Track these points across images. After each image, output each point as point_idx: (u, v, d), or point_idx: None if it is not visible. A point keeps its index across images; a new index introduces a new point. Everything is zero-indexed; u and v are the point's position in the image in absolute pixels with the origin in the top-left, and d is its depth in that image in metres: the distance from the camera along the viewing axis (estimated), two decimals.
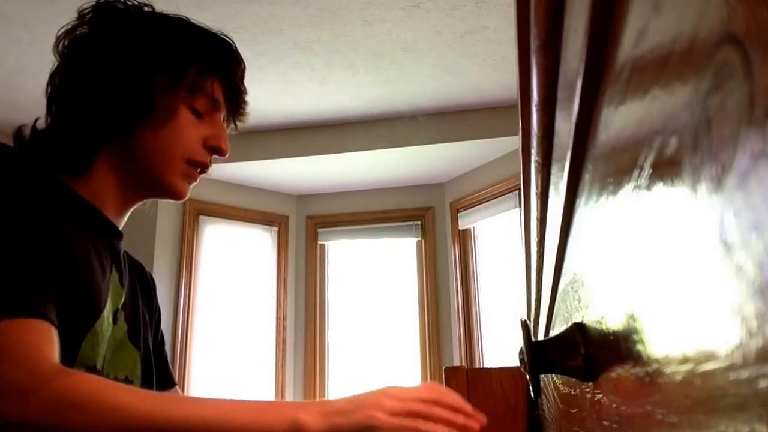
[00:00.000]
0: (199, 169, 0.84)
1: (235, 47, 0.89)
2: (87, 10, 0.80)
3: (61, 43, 0.79)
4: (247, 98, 0.92)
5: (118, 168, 0.79)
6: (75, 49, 0.79)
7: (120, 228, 0.83)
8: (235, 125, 0.93)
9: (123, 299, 0.81)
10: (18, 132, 0.80)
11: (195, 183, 0.85)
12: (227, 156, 0.86)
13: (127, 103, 0.77)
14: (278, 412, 0.59)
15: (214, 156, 0.85)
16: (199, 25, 0.86)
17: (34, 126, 0.80)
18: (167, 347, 0.99)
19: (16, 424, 0.53)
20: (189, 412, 0.57)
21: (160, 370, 0.92)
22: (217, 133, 0.85)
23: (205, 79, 0.83)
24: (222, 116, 0.87)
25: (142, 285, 0.91)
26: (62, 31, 0.79)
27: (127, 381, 0.79)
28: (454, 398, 0.67)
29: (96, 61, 0.78)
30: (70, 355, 0.67)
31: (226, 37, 0.88)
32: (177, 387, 0.96)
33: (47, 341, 0.59)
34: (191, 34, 0.84)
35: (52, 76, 0.80)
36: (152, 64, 0.78)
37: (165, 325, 2.39)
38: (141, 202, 0.85)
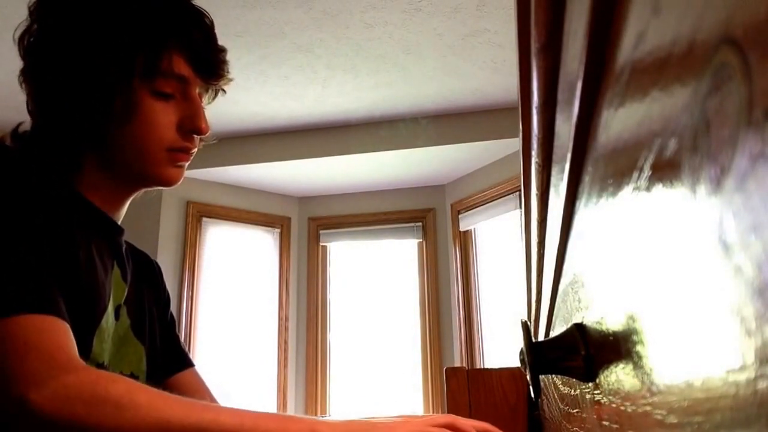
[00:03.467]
0: (183, 153, 0.78)
1: (190, 5, 0.79)
2: (33, 4, 0.75)
3: (20, 45, 0.75)
4: (226, 57, 0.81)
5: (103, 165, 0.77)
6: (29, 51, 0.75)
7: (119, 221, 0.82)
8: (223, 90, 0.83)
9: (125, 294, 0.80)
10: (1, 140, 0.77)
11: (186, 163, 0.80)
12: (208, 134, 0.79)
13: (82, 107, 0.73)
14: (299, 421, 0.61)
15: (198, 137, 0.79)
16: None
17: (15, 131, 0.77)
18: None
19: (40, 417, 0.52)
20: (219, 419, 0.57)
21: (173, 352, 0.90)
22: (191, 113, 0.77)
23: (158, 57, 0.73)
24: (197, 90, 0.79)
25: (146, 276, 0.90)
26: (19, 31, 0.75)
27: (132, 376, 0.79)
28: (468, 423, 0.67)
29: (46, 64, 0.73)
30: (83, 353, 0.68)
31: None
32: (195, 368, 0.94)
33: (68, 339, 0.59)
34: (132, 10, 0.74)
35: (19, 79, 0.76)
36: (97, 60, 0.72)
37: None
38: (137, 192, 0.82)
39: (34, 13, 0.75)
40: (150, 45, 0.73)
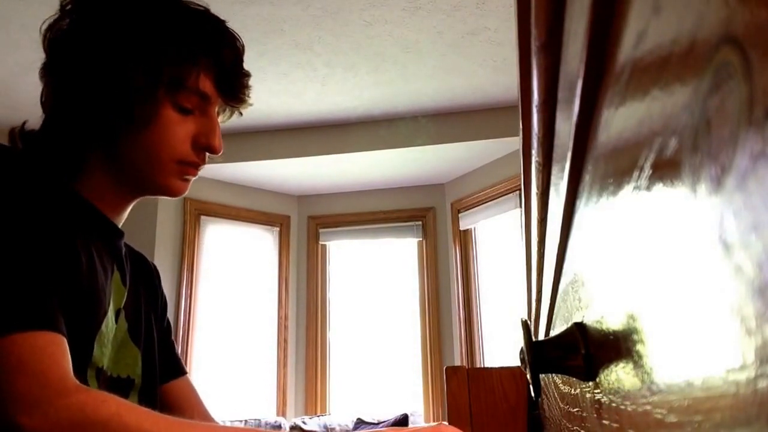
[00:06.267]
0: (193, 167, 0.79)
1: (225, 27, 0.80)
2: (66, 1, 0.76)
3: (45, 38, 0.75)
4: (249, 82, 0.82)
5: (110, 169, 0.77)
6: (55, 46, 0.75)
7: (120, 225, 0.82)
8: (240, 112, 0.85)
9: (125, 298, 0.80)
10: (11, 134, 0.77)
11: (194, 178, 0.81)
12: (221, 153, 0.80)
13: (103, 109, 0.73)
14: None
15: (209, 154, 0.80)
16: (189, 6, 0.78)
17: (22, 128, 0.77)
18: None
19: None
20: None
21: (167, 359, 0.90)
22: (207, 130, 0.78)
23: (186, 72, 0.74)
24: (216, 108, 0.80)
25: (144, 278, 0.90)
26: (46, 24, 0.75)
27: (129, 380, 0.79)
28: None
29: (72, 62, 0.74)
30: (84, 359, 0.67)
31: (215, 18, 0.79)
32: (187, 376, 0.94)
33: (63, 355, 0.59)
34: (170, 22, 0.75)
35: (40, 73, 0.76)
36: (126, 65, 0.72)
37: None
38: (140, 198, 0.82)
39: (67, 8, 0.75)
40: (181, 59, 0.74)
